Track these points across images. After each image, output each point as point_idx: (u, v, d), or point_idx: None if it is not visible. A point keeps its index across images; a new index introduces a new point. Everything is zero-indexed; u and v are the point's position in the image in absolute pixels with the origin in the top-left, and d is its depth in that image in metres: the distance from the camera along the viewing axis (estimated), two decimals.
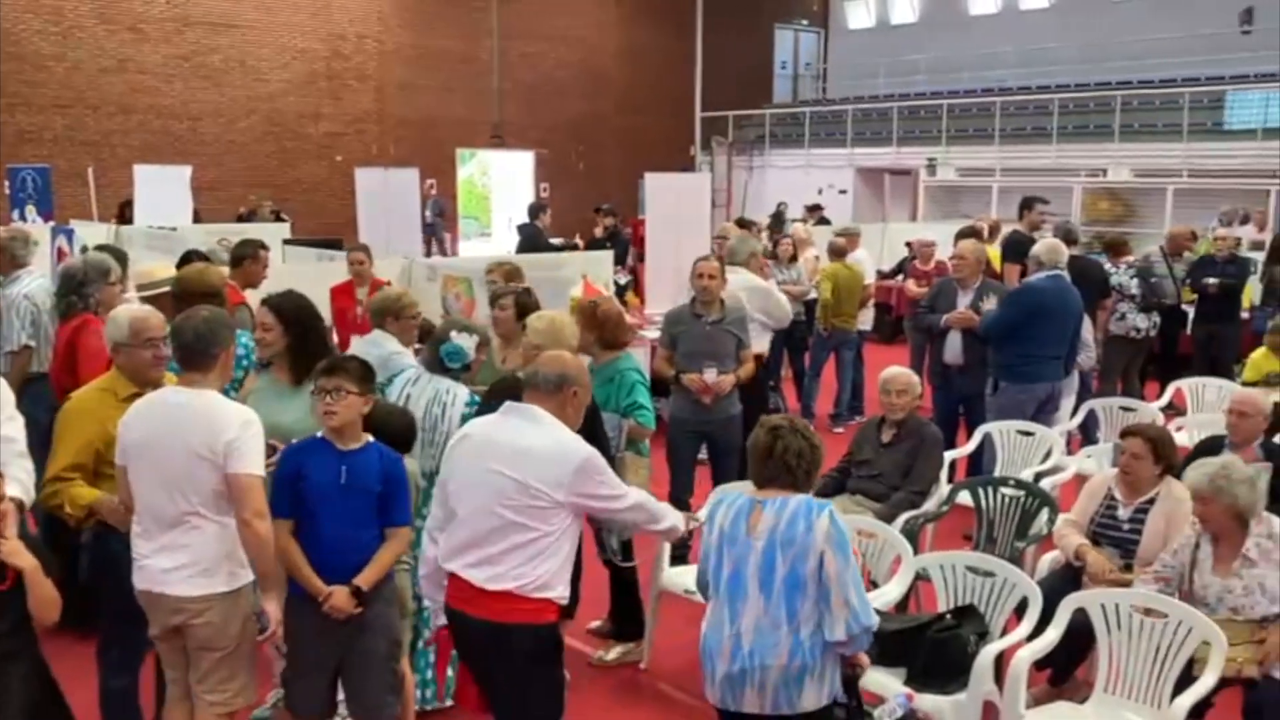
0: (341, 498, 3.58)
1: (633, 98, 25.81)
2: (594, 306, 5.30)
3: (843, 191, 22.85)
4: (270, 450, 3.70)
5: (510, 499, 3.33)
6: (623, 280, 10.16)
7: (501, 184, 23.39)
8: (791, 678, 3.20)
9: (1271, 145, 17.96)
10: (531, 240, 11.97)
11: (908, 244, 13.33)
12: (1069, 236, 8.97)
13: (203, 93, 20.82)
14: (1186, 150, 18.74)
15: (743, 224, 9.46)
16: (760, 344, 7.19)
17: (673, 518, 3.81)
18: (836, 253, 8.49)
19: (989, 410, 6.86)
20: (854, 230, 10.07)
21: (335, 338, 7.48)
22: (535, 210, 12.67)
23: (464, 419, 4.46)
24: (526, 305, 5.29)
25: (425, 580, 3.66)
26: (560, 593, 3.38)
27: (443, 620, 3.62)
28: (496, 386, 4.59)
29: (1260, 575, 4.00)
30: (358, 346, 5.06)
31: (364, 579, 3.55)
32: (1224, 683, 3.79)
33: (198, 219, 14.12)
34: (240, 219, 16.30)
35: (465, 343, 4.55)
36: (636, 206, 17.89)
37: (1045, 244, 7.09)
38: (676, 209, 13.84)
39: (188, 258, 6.20)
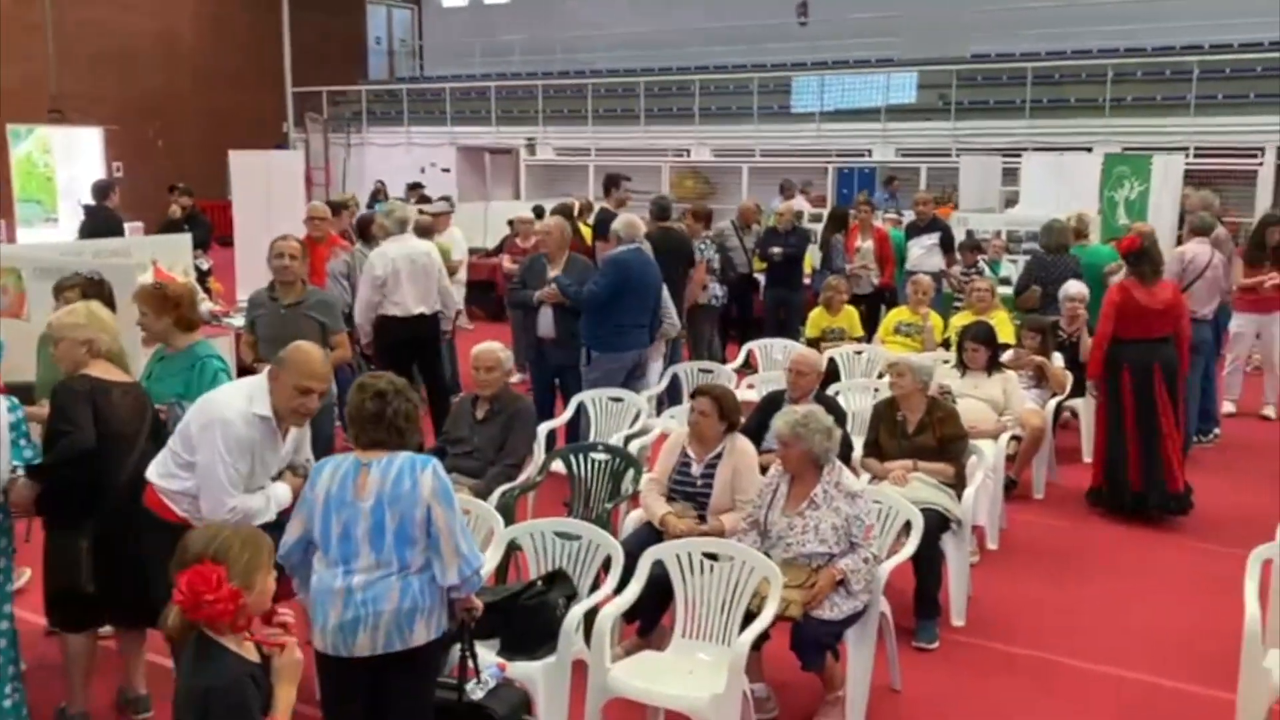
0: None
1: (215, 71, 24.24)
2: (161, 289, 4.90)
3: (445, 170, 22.79)
4: None
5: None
6: (205, 265, 9.51)
7: (67, 164, 21.14)
8: (403, 618, 3.34)
9: (829, 127, 19.99)
10: (98, 223, 10.88)
11: (510, 222, 13.52)
12: (663, 211, 9.53)
13: None
14: (758, 132, 20.41)
15: (333, 205, 9.12)
16: None
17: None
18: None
19: (584, 380, 7.11)
20: (444, 209, 10.04)
21: None
22: (102, 190, 11.54)
23: (14, 429, 3.94)
24: (99, 296, 4.79)
25: None
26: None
27: None
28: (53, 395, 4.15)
29: (819, 517, 4.42)
30: None
31: None
32: (781, 618, 4.16)
33: None
34: None
35: None
36: (225, 186, 16.86)
37: (622, 219, 7.46)
38: (267, 188, 13.18)
39: None
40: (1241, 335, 9.15)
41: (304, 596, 3.55)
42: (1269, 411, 9.25)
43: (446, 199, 10.99)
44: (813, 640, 4.25)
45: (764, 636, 4.16)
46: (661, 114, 21.65)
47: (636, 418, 6.71)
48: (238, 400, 3.81)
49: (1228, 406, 9.17)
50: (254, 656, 2.75)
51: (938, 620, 5.25)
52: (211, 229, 11.48)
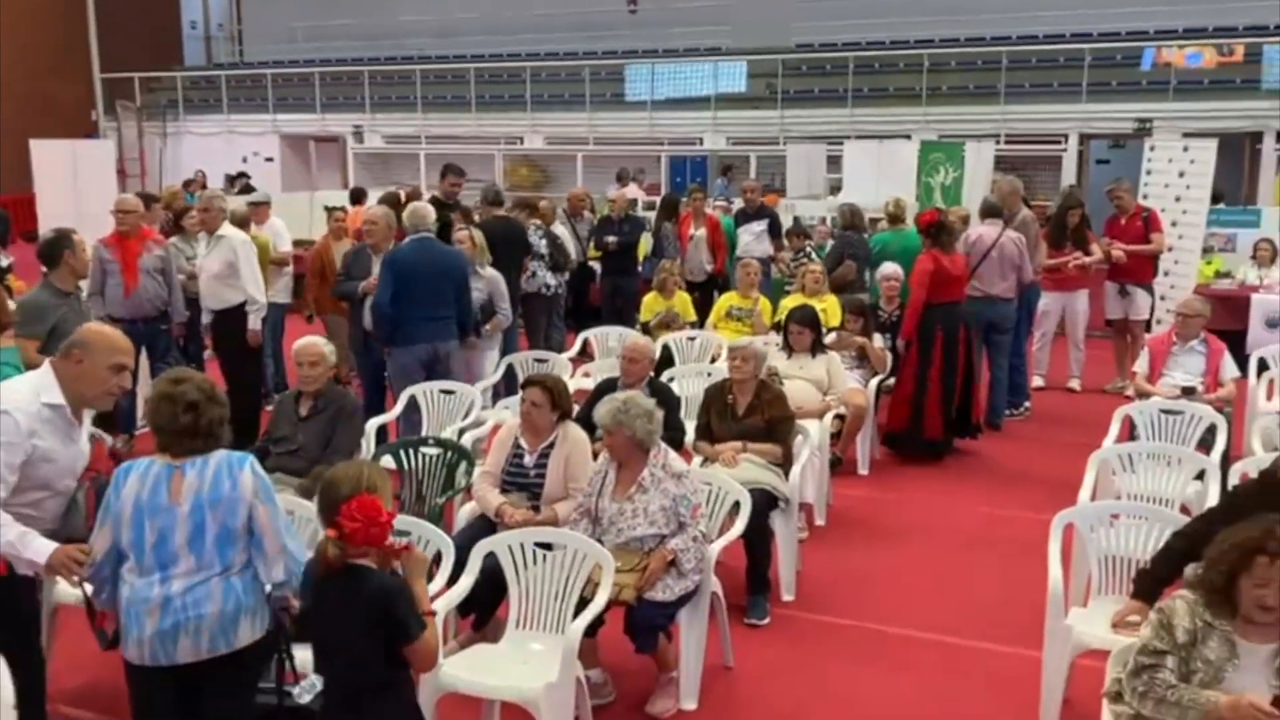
0: None
1: (15, 55, 22.75)
2: None
3: (269, 159, 22.05)
4: None
5: None
6: (4, 262, 8.91)
7: None
8: (228, 619, 3.26)
9: (661, 115, 20.19)
10: None
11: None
12: (496, 198, 9.45)
13: None
14: (591, 119, 20.43)
15: (144, 197, 8.68)
16: None
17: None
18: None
19: (389, 373, 6.98)
20: (262, 199, 9.69)
21: None
22: None
23: None
24: None
25: None
26: None
27: None
28: None
29: (648, 500, 4.47)
30: None
31: None
32: (615, 603, 4.20)
33: None
34: None
35: None
36: (29, 178, 15.92)
37: (410, 208, 7.32)
38: (75, 180, 12.49)
39: None
40: (1048, 313, 9.68)
41: (111, 608, 3.38)
42: (1074, 384, 9.83)
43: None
44: (646, 623, 4.30)
45: (599, 622, 4.18)
46: (493, 101, 21.44)
47: (470, 410, 6.65)
48: (21, 393, 3.52)
49: (1037, 380, 9.70)
50: None
51: (768, 596, 5.38)
52: (10, 222, 10.75)
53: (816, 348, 7.06)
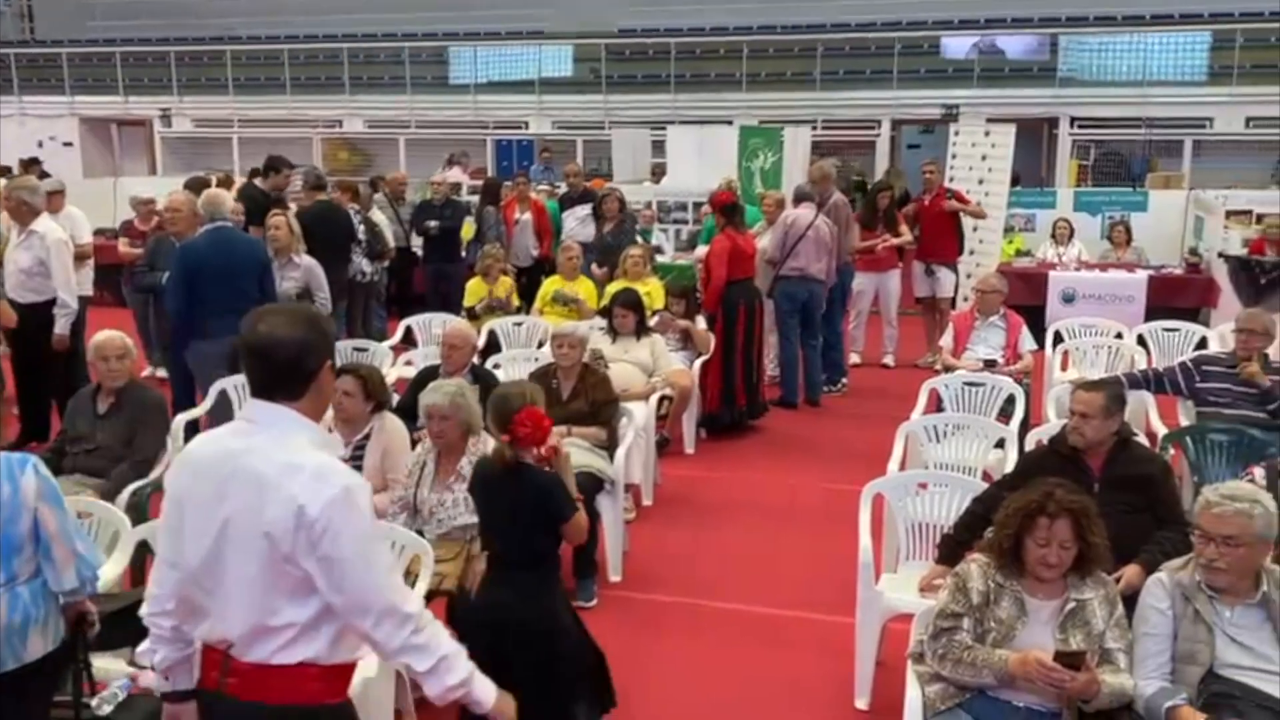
0: None
1: None
2: None
3: (67, 144, 20.76)
4: None
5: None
6: None
7: None
8: (15, 632, 3.09)
9: (485, 98, 19.96)
10: None
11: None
12: (318, 183, 9.17)
13: None
14: (413, 102, 20.02)
15: None
16: None
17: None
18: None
19: (193, 366, 6.69)
20: (56, 187, 9.11)
21: None
22: None
23: None
24: None
25: None
26: None
27: None
28: None
29: (465, 488, 4.41)
30: None
31: None
32: (436, 593, 4.15)
33: None
34: None
35: None
36: None
37: (205, 195, 7.04)
38: None
39: None
40: (863, 292, 10.04)
41: None
42: (888, 360, 10.23)
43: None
44: (468, 615, 4.23)
45: None
46: (310, 83, 20.75)
47: None
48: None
49: (853, 358, 10.05)
50: None
51: (595, 578, 5.41)
52: None
53: (641, 330, 7.13)
